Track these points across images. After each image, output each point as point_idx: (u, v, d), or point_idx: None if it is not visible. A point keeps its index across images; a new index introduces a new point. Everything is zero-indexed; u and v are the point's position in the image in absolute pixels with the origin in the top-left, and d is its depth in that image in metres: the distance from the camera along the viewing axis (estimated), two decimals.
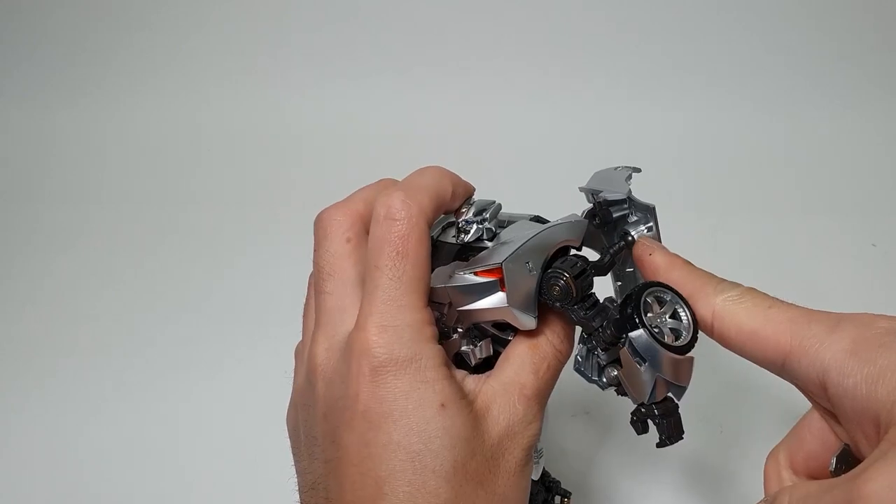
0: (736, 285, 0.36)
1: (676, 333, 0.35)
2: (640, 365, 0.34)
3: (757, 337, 0.34)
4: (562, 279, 0.35)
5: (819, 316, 0.32)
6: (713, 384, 0.63)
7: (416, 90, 0.96)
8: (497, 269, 0.35)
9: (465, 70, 0.96)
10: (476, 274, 0.36)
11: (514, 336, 0.38)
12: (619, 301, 0.36)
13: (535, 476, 0.42)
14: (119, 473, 0.62)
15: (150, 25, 0.97)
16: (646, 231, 0.41)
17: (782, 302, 0.34)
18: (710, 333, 0.36)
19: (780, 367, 0.33)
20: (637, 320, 0.34)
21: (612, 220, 0.42)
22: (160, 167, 0.94)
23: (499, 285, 0.35)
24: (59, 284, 0.80)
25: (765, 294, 0.35)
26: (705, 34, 0.93)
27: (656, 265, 0.38)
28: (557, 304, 0.36)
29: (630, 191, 0.41)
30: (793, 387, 0.34)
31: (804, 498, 0.29)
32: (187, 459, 0.62)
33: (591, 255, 0.40)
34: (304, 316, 0.40)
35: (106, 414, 0.66)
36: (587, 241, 0.42)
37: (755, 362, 0.35)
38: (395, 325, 0.34)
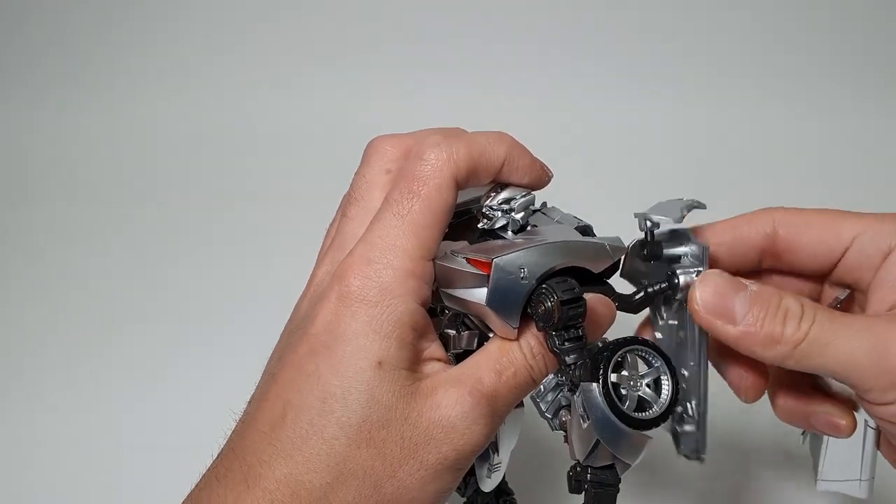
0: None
1: (645, 404, 0.33)
2: (584, 421, 0.32)
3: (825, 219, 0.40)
4: (549, 300, 0.32)
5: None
6: None
7: (413, 90, 0.94)
8: (487, 264, 0.33)
9: (465, 70, 0.94)
10: (468, 261, 0.34)
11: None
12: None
13: (488, 488, 0.39)
14: (78, 472, 0.61)
15: (143, 26, 0.96)
16: (695, 276, 0.37)
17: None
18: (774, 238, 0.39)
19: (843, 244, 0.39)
20: (599, 372, 0.32)
21: (660, 257, 0.38)
22: (131, 168, 0.92)
23: (486, 280, 0.33)
24: (29, 283, 0.79)
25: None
26: (721, 32, 0.91)
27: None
28: (540, 324, 0.33)
29: (682, 219, 0.37)
30: None
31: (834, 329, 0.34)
32: (152, 459, 0.62)
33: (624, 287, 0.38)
34: (325, 236, 0.40)
35: (77, 413, 0.66)
36: (628, 276, 0.40)
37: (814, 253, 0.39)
38: (378, 262, 0.33)
